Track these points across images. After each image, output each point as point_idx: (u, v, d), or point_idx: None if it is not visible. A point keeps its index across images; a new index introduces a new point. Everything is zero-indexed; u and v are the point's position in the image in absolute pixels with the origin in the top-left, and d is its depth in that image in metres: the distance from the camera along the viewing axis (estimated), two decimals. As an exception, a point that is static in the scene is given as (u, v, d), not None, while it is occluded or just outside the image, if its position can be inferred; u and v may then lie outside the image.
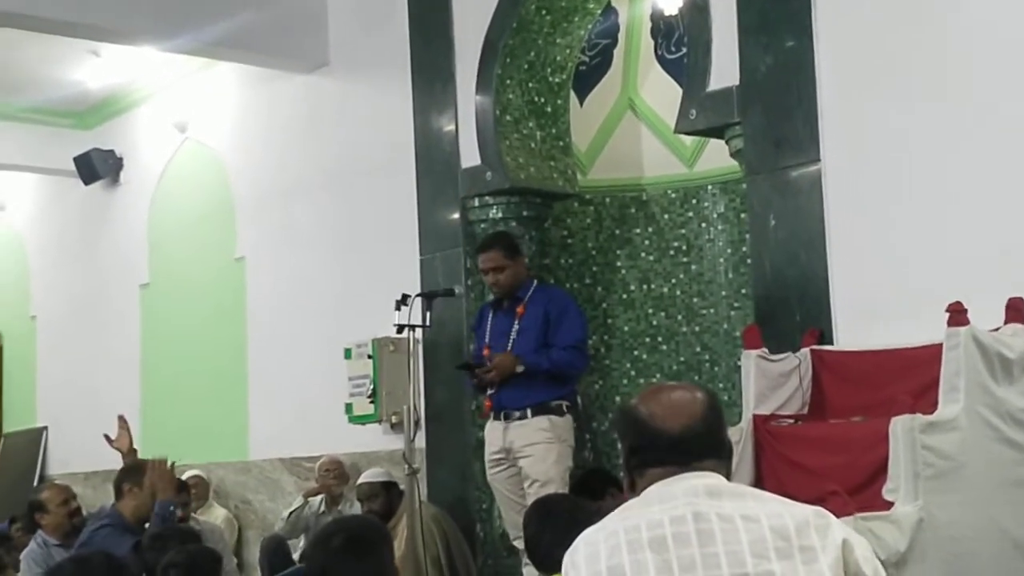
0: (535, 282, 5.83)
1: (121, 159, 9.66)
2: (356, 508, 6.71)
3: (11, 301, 11.09)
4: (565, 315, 5.62)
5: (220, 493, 8.31)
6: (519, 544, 5.20)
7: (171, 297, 9.14)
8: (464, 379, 6.20)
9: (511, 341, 5.66)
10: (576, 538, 2.14)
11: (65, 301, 10.34)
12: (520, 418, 5.51)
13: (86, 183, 9.67)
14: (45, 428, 10.43)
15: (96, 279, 9.95)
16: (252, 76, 8.31)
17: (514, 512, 5.49)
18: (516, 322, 5.67)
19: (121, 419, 6.23)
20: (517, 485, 5.53)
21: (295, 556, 6.97)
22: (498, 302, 5.83)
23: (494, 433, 5.65)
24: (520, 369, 5.50)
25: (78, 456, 9.72)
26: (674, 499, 2.07)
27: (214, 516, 7.89)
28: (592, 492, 5.41)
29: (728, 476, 2.19)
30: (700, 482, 2.10)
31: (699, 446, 2.14)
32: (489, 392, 5.68)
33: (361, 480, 6.66)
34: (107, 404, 9.46)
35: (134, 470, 5.50)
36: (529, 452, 5.45)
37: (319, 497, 7.12)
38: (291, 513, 7.14)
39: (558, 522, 3.50)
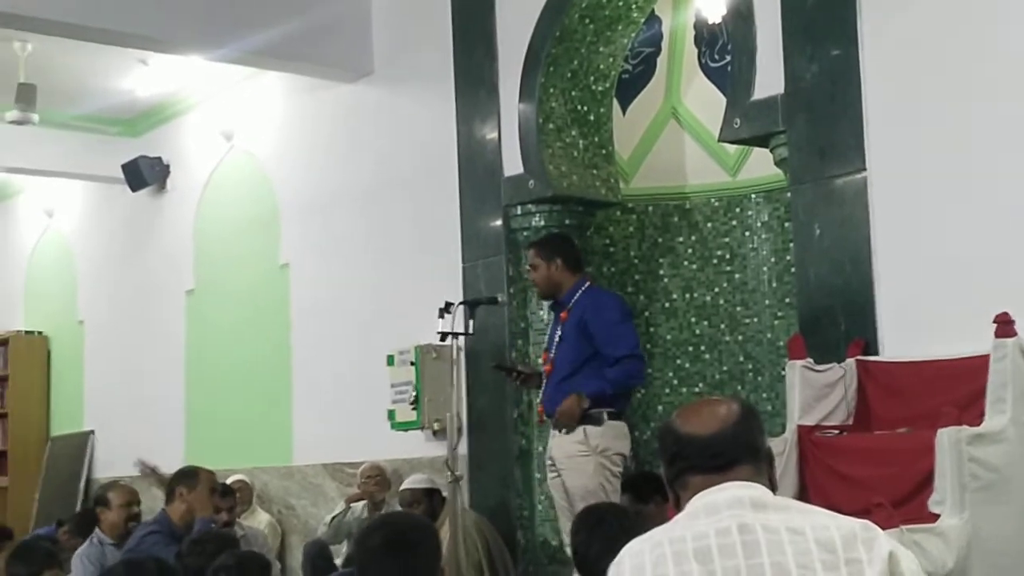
0: (585, 285, 5.68)
1: (168, 166, 9.76)
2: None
3: (59, 306, 11.22)
4: (604, 322, 5.45)
5: (264, 498, 8.37)
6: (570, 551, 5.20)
7: (216, 303, 9.21)
8: (504, 384, 6.25)
9: (554, 348, 5.64)
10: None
11: (112, 306, 10.45)
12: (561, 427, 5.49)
13: (133, 190, 9.77)
14: (92, 432, 10.54)
15: (142, 285, 10.05)
16: (297, 85, 8.37)
17: (566, 519, 5.46)
18: (559, 328, 5.65)
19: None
20: (566, 494, 5.45)
21: (337, 562, 7.00)
22: (554, 306, 5.80)
23: (549, 440, 5.63)
24: (587, 405, 5.33)
25: (124, 460, 9.79)
26: (719, 511, 2.07)
27: (257, 521, 7.95)
28: (638, 494, 5.37)
29: (772, 484, 2.19)
30: (745, 493, 2.10)
31: (732, 450, 2.15)
32: (539, 399, 5.69)
33: (404, 486, 6.69)
34: (153, 409, 9.61)
35: (188, 474, 5.56)
36: (567, 465, 5.36)
37: (362, 503, 7.15)
38: (333, 518, 7.18)
39: (607, 532, 3.49)
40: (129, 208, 10.16)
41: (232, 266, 9.06)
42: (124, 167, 9.68)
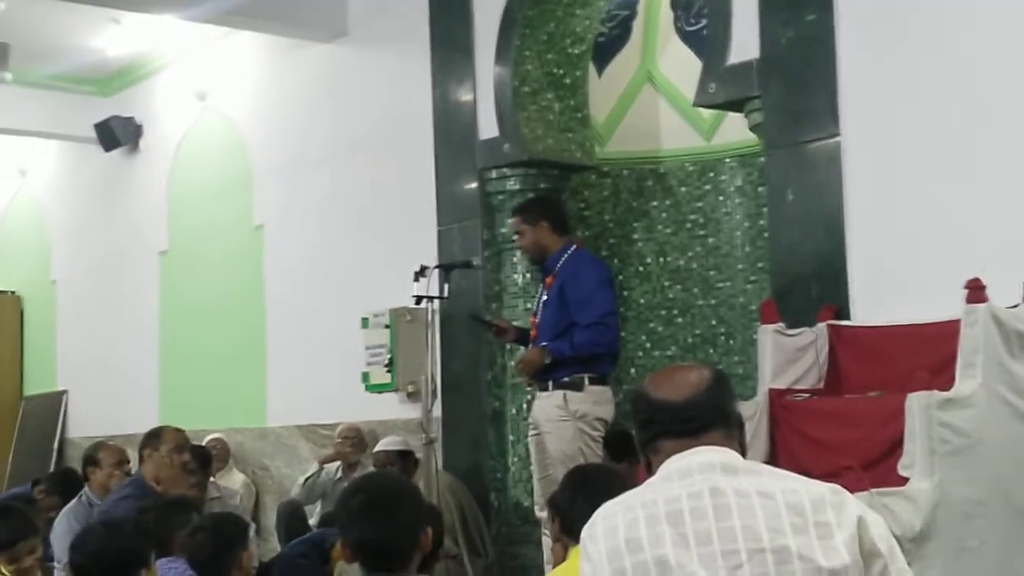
0: (571, 248, 5.62)
1: (140, 126, 9.70)
2: (372, 474, 6.75)
3: (32, 266, 11.18)
4: (582, 290, 5.44)
5: (238, 458, 8.38)
6: (537, 511, 5.23)
7: (190, 264, 9.19)
8: (478, 347, 6.26)
9: (539, 312, 5.64)
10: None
11: (85, 266, 10.42)
12: (543, 390, 5.48)
13: (106, 150, 9.72)
14: (65, 392, 10.53)
15: (116, 245, 10.02)
16: (271, 45, 8.32)
17: (536, 480, 5.50)
18: (545, 293, 5.63)
19: None
20: (544, 456, 5.45)
21: (312, 522, 7.03)
22: (542, 270, 5.76)
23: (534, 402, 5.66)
24: (548, 360, 5.40)
25: (97, 420, 9.82)
26: (691, 475, 2.10)
27: (233, 481, 7.97)
28: (612, 453, 5.40)
29: (742, 449, 2.22)
30: (716, 458, 2.13)
31: (704, 415, 2.17)
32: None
33: (377, 448, 6.71)
34: (126, 369, 9.59)
35: (152, 435, 5.56)
36: (548, 429, 5.38)
37: (335, 464, 7.18)
38: (307, 479, 7.20)
39: (591, 490, 3.51)
40: (102, 168, 10.10)
41: (206, 227, 9.03)
42: (97, 127, 9.61)
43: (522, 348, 5.81)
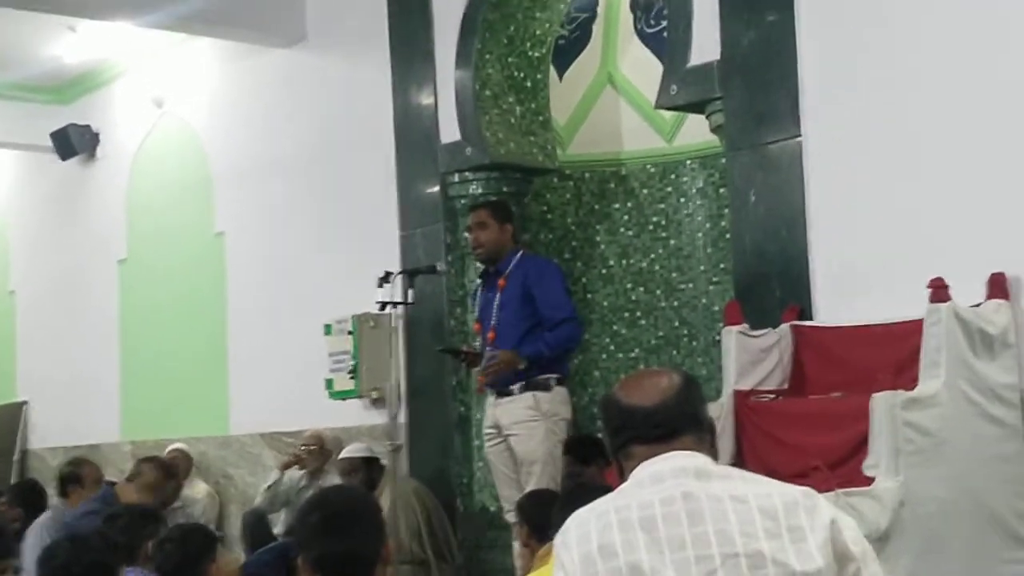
0: (520, 253, 5.70)
1: (97, 134, 9.60)
2: (336, 482, 6.72)
3: (-11, 276, 11.05)
4: (547, 288, 5.50)
5: (201, 467, 8.31)
6: (511, 518, 5.22)
7: (150, 273, 9.11)
8: (445, 357, 6.24)
9: (494, 315, 5.64)
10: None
11: (44, 276, 10.31)
12: (508, 395, 5.48)
13: (63, 158, 9.61)
14: (25, 403, 10.41)
15: (75, 254, 9.91)
16: (229, 51, 8.26)
17: (506, 487, 5.50)
18: (498, 295, 5.64)
19: None
20: (511, 460, 5.49)
21: (277, 530, 6.98)
22: (485, 275, 5.80)
23: (488, 408, 5.68)
24: (523, 366, 5.41)
25: (59, 431, 9.72)
26: (663, 481, 2.10)
27: (196, 490, 7.91)
28: (580, 456, 5.41)
29: (714, 453, 2.21)
30: (689, 462, 2.13)
31: (675, 419, 2.17)
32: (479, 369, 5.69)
33: (342, 455, 6.66)
34: (87, 379, 9.50)
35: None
36: (516, 431, 5.40)
37: (300, 472, 7.13)
38: (269, 487, 7.15)
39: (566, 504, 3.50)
40: (60, 177, 10.00)
41: (166, 235, 8.95)
42: (53, 135, 9.51)
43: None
